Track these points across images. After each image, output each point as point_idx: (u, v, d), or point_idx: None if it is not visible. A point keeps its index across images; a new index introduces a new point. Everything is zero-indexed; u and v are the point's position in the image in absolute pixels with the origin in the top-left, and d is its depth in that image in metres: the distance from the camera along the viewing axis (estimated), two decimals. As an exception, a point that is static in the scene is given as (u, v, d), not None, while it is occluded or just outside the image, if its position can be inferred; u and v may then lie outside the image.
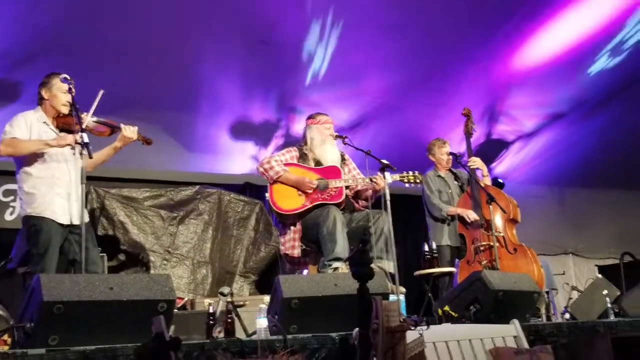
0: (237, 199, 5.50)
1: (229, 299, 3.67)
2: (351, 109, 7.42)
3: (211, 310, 2.89)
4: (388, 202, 3.78)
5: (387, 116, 7.58)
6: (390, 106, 7.53)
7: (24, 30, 5.30)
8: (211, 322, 2.85)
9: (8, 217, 5.89)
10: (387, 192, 3.84)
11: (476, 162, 5.28)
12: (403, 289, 3.75)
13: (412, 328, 2.24)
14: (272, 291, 2.81)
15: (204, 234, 5.14)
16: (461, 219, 5.06)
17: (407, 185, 4.21)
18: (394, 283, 3.59)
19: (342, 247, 3.83)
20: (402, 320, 2.22)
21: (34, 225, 3.39)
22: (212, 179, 7.25)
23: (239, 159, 7.42)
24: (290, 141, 7.40)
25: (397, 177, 4.11)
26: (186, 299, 4.88)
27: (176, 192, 5.23)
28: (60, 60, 5.29)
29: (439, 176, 5.42)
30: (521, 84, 7.63)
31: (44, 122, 3.57)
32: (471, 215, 4.97)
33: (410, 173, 4.23)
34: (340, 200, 4.10)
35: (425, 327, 2.37)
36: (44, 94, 3.59)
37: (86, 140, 3.15)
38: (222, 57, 6.30)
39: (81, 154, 3.17)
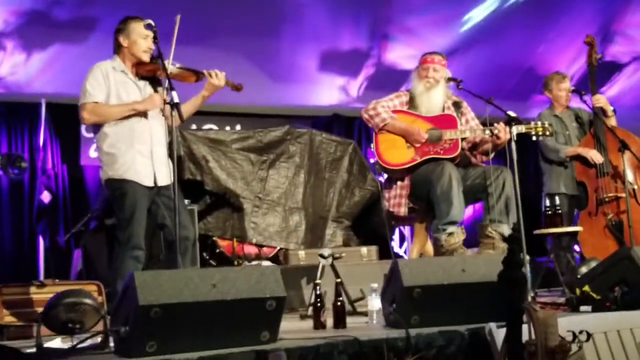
0: (329, 139, 5.10)
1: (330, 262, 3.38)
2: (448, 35, 6.73)
3: (317, 292, 2.57)
4: (514, 159, 3.26)
5: (488, 42, 6.86)
6: (490, 31, 6.78)
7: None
8: (319, 304, 2.54)
9: (93, 153, 5.78)
10: (514, 146, 3.30)
11: (600, 100, 4.56)
12: (527, 258, 3.29)
13: (576, 347, 1.82)
14: (388, 275, 2.45)
15: (295, 179, 4.82)
16: (582, 161, 4.45)
17: (534, 138, 3.65)
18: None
19: (458, 209, 3.40)
20: (562, 337, 1.81)
21: (118, 189, 3.05)
22: (298, 112, 6.92)
23: (326, 90, 7.00)
24: (382, 70, 6.88)
25: (523, 128, 3.54)
26: (278, 248, 4.65)
27: (265, 133, 4.88)
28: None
29: (556, 116, 4.75)
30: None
31: (122, 71, 3.16)
32: (596, 157, 4.35)
33: (539, 124, 3.65)
34: (456, 154, 3.60)
35: (585, 338, 1.94)
36: (122, 41, 3.14)
37: (176, 100, 2.75)
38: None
39: (171, 114, 2.81)
